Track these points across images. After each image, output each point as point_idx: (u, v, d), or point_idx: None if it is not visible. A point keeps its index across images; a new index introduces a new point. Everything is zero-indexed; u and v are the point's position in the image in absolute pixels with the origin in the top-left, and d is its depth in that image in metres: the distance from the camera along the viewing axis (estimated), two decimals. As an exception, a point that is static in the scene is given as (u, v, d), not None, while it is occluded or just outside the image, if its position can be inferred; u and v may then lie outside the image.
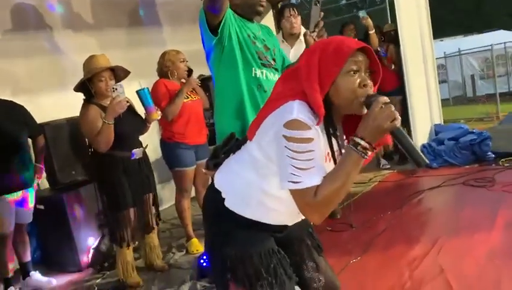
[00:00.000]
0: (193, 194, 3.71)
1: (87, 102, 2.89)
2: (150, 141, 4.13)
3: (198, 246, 3.53)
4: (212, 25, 2.01)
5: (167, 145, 3.47)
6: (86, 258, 3.52)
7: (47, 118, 3.57)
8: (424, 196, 4.01)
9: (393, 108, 1.19)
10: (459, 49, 13.60)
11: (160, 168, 3.93)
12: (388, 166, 5.12)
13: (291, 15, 3.62)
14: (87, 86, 2.88)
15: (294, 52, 3.61)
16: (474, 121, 8.66)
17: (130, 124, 2.94)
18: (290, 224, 1.49)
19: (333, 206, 1.24)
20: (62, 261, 3.56)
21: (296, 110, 1.23)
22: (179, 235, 3.89)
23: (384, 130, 1.18)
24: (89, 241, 3.55)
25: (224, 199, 1.41)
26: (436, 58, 13.91)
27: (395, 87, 5.14)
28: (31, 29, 4.02)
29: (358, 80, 1.25)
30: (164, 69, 3.48)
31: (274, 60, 2.26)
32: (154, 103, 3.08)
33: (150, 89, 3.16)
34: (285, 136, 1.22)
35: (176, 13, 5.20)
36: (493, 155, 4.61)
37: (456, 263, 2.66)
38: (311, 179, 1.20)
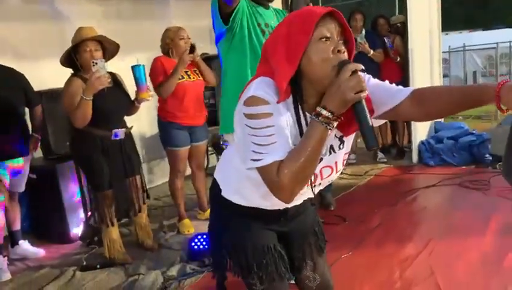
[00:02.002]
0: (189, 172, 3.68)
1: (72, 75, 2.81)
2: (147, 116, 4.11)
3: (189, 227, 3.52)
4: (224, 14, 1.96)
5: (161, 123, 3.44)
6: (76, 230, 3.50)
7: (46, 86, 3.51)
8: (419, 194, 4.00)
9: (362, 78, 1.11)
10: (464, 44, 13.48)
11: (156, 144, 3.88)
12: (385, 160, 5.10)
13: None
14: (74, 60, 2.78)
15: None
16: (473, 119, 8.64)
17: (113, 102, 2.84)
18: (290, 206, 1.41)
19: (300, 183, 1.17)
20: (52, 232, 3.54)
21: (254, 87, 1.19)
22: (171, 215, 3.87)
23: (347, 101, 1.10)
24: (80, 214, 3.52)
25: (221, 189, 1.43)
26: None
27: (398, 79, 5.08)
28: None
29: (331, 47, 1.15)
30: (165, 46, 3.41)
31: None
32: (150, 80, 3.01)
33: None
34: (244, 114, 1.18)
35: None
36: (491, 158, 4.60)
37: (447, 266, 2.67)
38: (273, 155, 1.15)
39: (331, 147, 1.31)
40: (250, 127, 1.18)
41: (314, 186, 1.32)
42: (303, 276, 1.57)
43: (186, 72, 3.37)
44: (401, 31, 5.21)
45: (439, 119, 5.35)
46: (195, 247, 2.98)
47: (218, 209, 1.48)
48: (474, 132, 4.85)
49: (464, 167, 4.57)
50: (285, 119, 1.19)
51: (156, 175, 4.85)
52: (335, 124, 1.15)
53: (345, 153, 1.36)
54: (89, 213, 3.46)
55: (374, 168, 4.89)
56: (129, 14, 4.55)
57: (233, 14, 1.97)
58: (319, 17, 1.15)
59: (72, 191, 3.51)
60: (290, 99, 1.20)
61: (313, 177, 1.26)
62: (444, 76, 13.77)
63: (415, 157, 4.94)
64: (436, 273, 2.59)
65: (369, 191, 4.22)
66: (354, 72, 1.10)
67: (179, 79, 3.30)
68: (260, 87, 1.19)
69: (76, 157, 3.01)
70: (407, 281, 2.55)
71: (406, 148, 5.25)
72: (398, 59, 5.10)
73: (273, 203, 1.35)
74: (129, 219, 3.44)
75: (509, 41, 12.78)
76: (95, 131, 2.81)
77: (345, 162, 1.38)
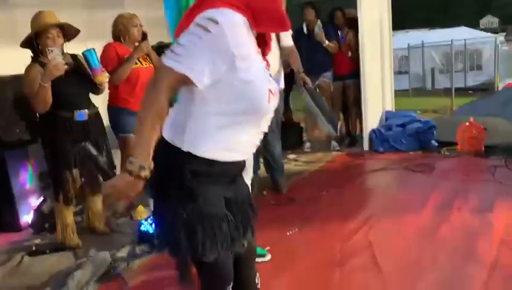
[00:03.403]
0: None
1: (32, 61, 2.83)
2: (103, 105, 4.10)
3: (143, 213, 3.55)
4: None
5: (112, 109, 3.44)
6: (26, 218, 3.48)
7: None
8: (366, 177, 4.18)
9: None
10: (422, 41, 13.94)
11: (111, 133, 3.89)
12: (338, 148, 5.27)
13: None
14: (34, 44, 2.80)
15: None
16: (430, 113, 8.98)
17: (73, 85, 2.89)
18: (251, 148, 1.42)
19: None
20: (1, 221, 3.50)
21: (211, 11, 1.23)
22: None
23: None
24: (31, 202, 3.50)
25: (180, 147, 1.31)
26: (400, 49, 14.30)
27: (350, 71, 5.25)
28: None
29: None
30: (117, 32, 3.42)
31: None
32: (102, 65, 3.03)
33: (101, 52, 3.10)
34: (194, 23, 1.23)
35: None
36: (437, 144, 4.84)
37: (383, 240, 2.82)
38: (185, 67, 1.21)
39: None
40: (189, 32, 1.23)
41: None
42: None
43: (138, 58, 3.40)
44: (355, 23, 5.36)
45: (390, 109, 5.58)
46: (144, 229, 3.03)
47: (175, 176, 1.32)
48: (421, 119, 5.07)
49: (411, 153, 4.79)
50: (233, 39, 1.22)
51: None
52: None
53: None
54: (42, 199, 3.46)
55: (328, 155, 5.06)
56: (82, 1, 4.52)
57: None
58: None
59: (22, 178, 3.48)
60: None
61: (274, 96, 1.34)
62: (404, 72, 14.31)
63: (366, 145, 5.13)
64: (373, 246, 2.74)
65: (320, 176, 4.38)
66: None
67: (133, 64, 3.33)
68: (216, 11, 1.23)
69: (42, 140, 3.03)
70: (346, 254, 2.68)
71: (359, 137, 5.43)
72: (350, 54, 5.23)
73: (246, 140, 1.38)
74: (83, 205, 3.45)
75: (464, 39, 13.31)
76: (60, 112, 2.86)
77: None
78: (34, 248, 3.09)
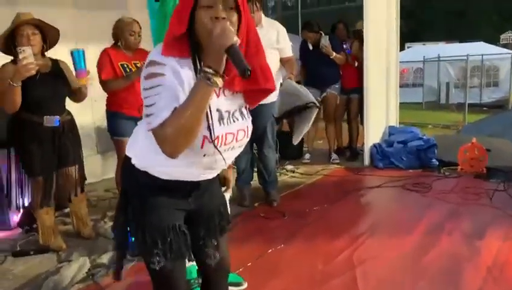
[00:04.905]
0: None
1: (11, 61, 2.82)
2: (101, 107, 4.11)
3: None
4: None
5: (107, 112, 3.47)
6: (16, 217, 3.50)
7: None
8: (361, 193, 4.11)
9: (227, 27, 1.21)
10: (438, 55, 13.76)
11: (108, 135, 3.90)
12: (338, 161, 5.21)
13: (254, 11, 3.58)
14: (11, 46, 2.78)
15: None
16: (441, 128, 8.86)
17: (47, 89, 2.84)
18: (197, 176, 1.45)
19: (184, 137, 1.24)
20: (-8, 218, 3.53)
21: (152, 53, 1.30)
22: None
23: (217, 49, 1.20)
24: (21, 201, 3.51)
25: (134, 163, 1.43)
26: (415, 62, 14.16)
27: (356, 85, 5.20)
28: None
29: (210, 15, 1.26)
30: (115, 35, 3.43)
31: None
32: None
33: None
34: (142, 77, 1.29)
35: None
36: (437, 162, 4.74)
37: (368, 261, 2.75)
38: (160, 116, 1.23)
39: (243, 114, 1.42)
40: (144, 89, 1.28)
41: (233, 148, 1.41)
42: (205, 254, 1.61)
43: (135, 64, 3.40)
44: (362, 36, 5.32)
45: (394, 124, 5.49)
46: (130, 236, 3.01)
47: (129, 185, 1.48)
48: (423, 137, 4.97)
49: (410, 171, 4.70)
50: (183, 77, 1.26)
51: (110, 167, 4.83)
52: (217, 80, 1.22)
53: (250, 121, 1.47)
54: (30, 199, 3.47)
55: (326, 168, 4.99)
56: (85, 2, 4.55)
57: None
58: None
59: (12, 177, 3.49)
60: (190, 59, 1.30)
61: (230, 137, 1.36)
62: (419, 85, 14.16)
63: (366, 159, 5.06)
64: (356, 268, 2.68)
65: (315, 190, 4.32)
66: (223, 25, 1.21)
67: (128, 71, 3.33)
68: (156, 51, 1.29)
69: (10, 142, 3.02)
70: (326, 274, 2.62)
71: (361, 151, 5.36)
72: (356, 64, 5.21)
73: (189, 172, 1.41)
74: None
75: (482, 55, 13.10)
76: (28, 117, 2.82)
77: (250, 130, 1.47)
78: (18, 248, 3.10)
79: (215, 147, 1.33)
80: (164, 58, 1.26)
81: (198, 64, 1.29)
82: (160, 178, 1.40)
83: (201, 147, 1.32)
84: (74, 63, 2.90)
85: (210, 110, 1.30)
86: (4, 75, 2.70)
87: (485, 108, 11.93)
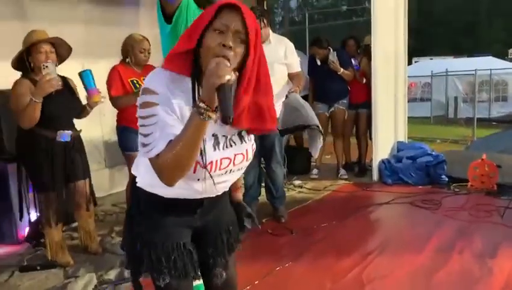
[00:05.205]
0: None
1: (22, 77, 2.85)
2: (110, 122, 4.14)
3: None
4: (167, 13, 2.02)
5: (118, 128, 3.48)
6: (24, 231, 3.50)
7: (2, 85, 3.53)
8: (370, 210, 4.07)
9: (223, 64, 1.18)
10: (446, 69, 13.75)
11: (118, 150, 3.91)
12: (346, 176, 5.18)
13: (261, 27, 3.61)
14: (25, 62, 2.82)
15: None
16: (450, 142, 8.79)
17: (61, 105, 2.87)
18: (198, 194, 1.44)
19: (180, 169, 1.24)
20: (1, 232, 3.53)
21: (147, 78, 1.30)
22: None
23: (210, 86, 1.17)
24: (30, 215, 3.52)
25: (138, 182, 1.45)
26: (423, 77, 14.15)
27: (364, 100, 5.19)
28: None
29: (219, 39, 1.24)
30: (124, 52, 3.46)
31: None
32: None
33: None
34: (138, 105, 1.30)
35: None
36: (447, 179, 4.69)
37: (377, 281, 2.71)
38: (157, 147, 1.24)
39: (242, 137, 1.41)
40: (140, 117, 1.28)
41: (231, 171, 1.39)
42: (213, 273, 1.60)
43: (144, 79, 3.42)
44: (370, 51, 5.33)
45: (402, 139, 5.46)
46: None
47: (136, 203, 1.49)
48: (432, 152, 4.93)
49: (419, 187, 4.65)
50: (174, 104, 1.26)
51: (118, 181, 4.85)
52: (211, 114, 1.20)
53: (252, 145, 1.46)
54: (39, 214, 3.47)
55: (334, 184, 4.96)
56: (98, 19, 4.61)
57: (177, 12, 2.01)
58: (215, 9, 1.26)
59: (22, 191, 3.50)
60: (189, 80, 1.29)
61: (226, 162, 1.35)
62: (427, 100, 14.12)
63: (375, 175, 5.02)
64: (365, 287, 2.64)
65: (323, 206, 4.28)
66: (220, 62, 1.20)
67: (138, 86, 3.35)
68: (152, 78, 1.30)
69: (20, 156, 3.03)
70: (335, 294, 2.59)
71: (369, 167, 5.33)
72: (364, 81, 5.20)
73: (189, 192, 1.40)
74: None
75: (490, 69, 13.07)
76: (41, 131, 2.85)
77: (253, 152, 1.45)
78: (25, 263, 3.10)
79: (208, 172, 1.32)
80: (157, 86, 1.26)
81: (196, 89, 1.28)
82: (163, 197, 1.41)
83: (194, 172, 1.31)
84: (84, 84, 2.95)
85: (205, 136, 1.28)
86: (22, 92, 2.75)
87: (494, 123, 11.85)
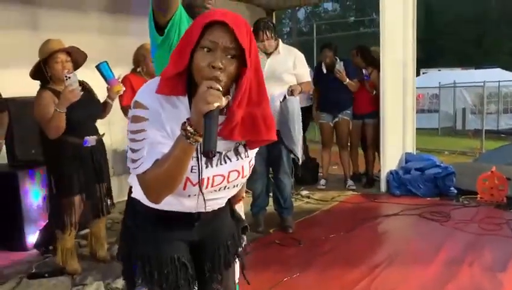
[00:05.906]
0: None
1: (42, 87, 2.89)
2: (119, 129, 4.17)
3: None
4: (159, 24, 2.01)
5: None
6: (32, 239, 3.52)
7: (15, 93, 3.57)
8: (378, 221, 4.05)
9: (212, 91, 1.11)
10: (454, 81, 13.71)
11: (123, 158, 3.94)
12: (354, 187, 5.16)
13: (264, 39, 3.64)
14: (43, 72, 2.87)
15: (271, 61, 3.72)
16: (458, 154, 8.73)
17: (83, 111, 2.92)
18: (202, 211, 1.42)
19: (166, 188, 1.22)
20: (8, 239, 3.55)
21: (139, 92, 1.26)
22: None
23: (198, 112, 1.12)
24: (39, 223, 3.54)
25: (133, 193, 1.44)
26: (431, 88, 14.10)
27: (370, 110, 5.19)
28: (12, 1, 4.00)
29: (209, 60, 1.17)
30: (136, 61, 3.50)
31: None
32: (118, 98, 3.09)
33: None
34: (129, 118, 1.26)
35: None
36: (455, 191, 4.66)
37: (386, 293, 2.69)
38: (145, 164, 1.21)
39: (238, 153, 1.35)
40: (129, 131, 1.24)
41: (225, 188, 1.36)
42: (209, 287, 1.59)
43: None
44: (378, 63, 5.33)
45: (410, 151, 5.44)
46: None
47: (131, 214, 1.48)
48: (441, 164, 4.91)
49: (428, 199, 4.62)
50: (164, 120, 1.23)
51: (125, 190, 4.82)
52: (199, 138, 1.16)
53: (250, 161, 1.40)
54: (48, 221, 3.49)
55: (342, 194, 4.95)
56: (108, 28, 4.66)
57: (169, 24, 2.01)
58: (202, 26, 1.17)
59: (32, 199, 3.54)
60: (186, 99, 1.25)
61: (219, 179, 1.32)
62: (434, 111, 14.06)
63: (383, 186, 5.00)
64: (374, 300, 2.62)
65: (331, 217, 4.27)
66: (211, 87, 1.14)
67: None
68: (143, 91, 1.26)
69: (48, 164, 3.06)
70: (343, 305, 2.57)
71: (377, 178, 5.30)
72: (374, 92, 5.20)
73: (182, 207, 1.38)
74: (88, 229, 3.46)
75: (498, 81, 13.02)
76: (68, 139, 2.89)
77: (251, 168, 1.41)
78: (33, 270, 3.11)
79: (200, 190, 1.29)
80: (148, 101, 1.23)
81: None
82: (158, 209, 1.38)
83: (184, 188, 1.29)
84: (103, 76, 2.98)
85: (197, 153, 1.24)
86: (46, 103, 2.79)
87: (502, 135, 11.77)
